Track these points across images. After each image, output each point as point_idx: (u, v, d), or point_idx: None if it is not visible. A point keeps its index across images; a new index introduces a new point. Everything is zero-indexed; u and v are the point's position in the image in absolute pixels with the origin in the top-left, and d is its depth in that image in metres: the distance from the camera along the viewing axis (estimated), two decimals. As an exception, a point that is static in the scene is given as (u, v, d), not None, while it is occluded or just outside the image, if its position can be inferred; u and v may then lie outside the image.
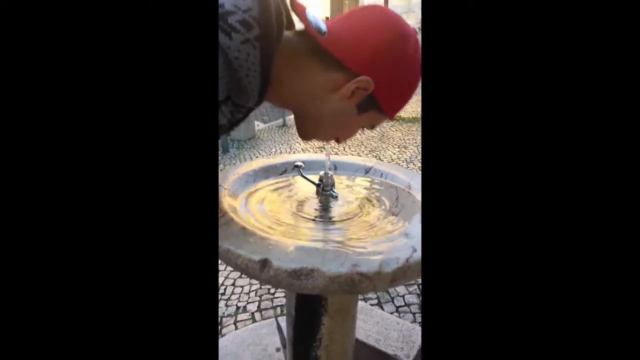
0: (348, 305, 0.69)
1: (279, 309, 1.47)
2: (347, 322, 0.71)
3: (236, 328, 1.37)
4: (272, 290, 1.59)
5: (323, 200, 0.64)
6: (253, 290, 1.58)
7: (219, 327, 1.38)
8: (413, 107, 4.93)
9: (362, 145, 3.27)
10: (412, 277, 0.47)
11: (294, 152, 3.14)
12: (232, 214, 0.54)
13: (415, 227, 0.54)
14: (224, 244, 0.47)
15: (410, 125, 3.96)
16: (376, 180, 0.75)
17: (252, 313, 1.45)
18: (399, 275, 0.45)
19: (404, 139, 3.48)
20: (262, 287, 1.61)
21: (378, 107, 0.47)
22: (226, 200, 0.59)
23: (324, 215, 0.62)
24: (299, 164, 0.67)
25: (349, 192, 0.70)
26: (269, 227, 0.55)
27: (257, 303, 1.50)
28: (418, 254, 0.46)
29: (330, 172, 0.63)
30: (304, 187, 0.70)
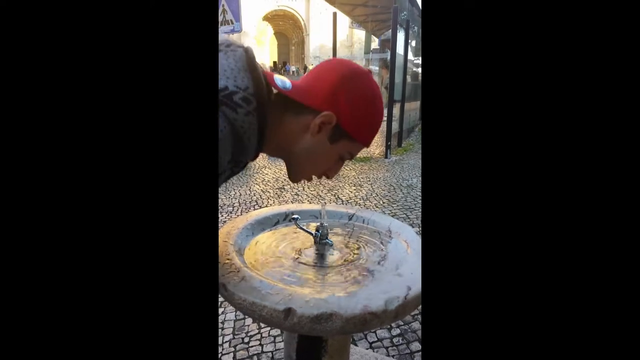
0: (344, 344, 0.76)
1: (255, 358, 1.45)
2: (343, 361, 0.76)
3: (213, 384, 1.32)
4: (246, 339, 1.56)
5: (320, 248, 0.72)
6: (226, 342, 1.54)
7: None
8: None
9: (320, 185, 3.40)
10: (409, 311, 0.56)
11: (257, 198, 3.17)
12: (246, 269, 0.60)
13: (404, 267, 0.64)
14: (247, 297, 0.53)
15: (362, 164, 4.22)
16: (360, 226, 0.85)
17: (229, 365, 1.41)
18: (401, 311, 0.54)
19: (358, 178, 3.69)
20: (235, 336, 1.57)
21: (347, 135, 0.56)
22: (235, 256, 0.64)
23: (324, 262, 0.70)
24: (296, 216, 0.74)
25: (342, 239, 0.79)
26: (283, 278, 0.61)
27: (232, 354, 1.47)
28: (413, 291, 0.56)
29: (326, 223, 0.71)
30: (300, 237, 0.77)
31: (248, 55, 0.51)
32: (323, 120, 0.54)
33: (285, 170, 0.60)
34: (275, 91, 0.56)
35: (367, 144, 0.59)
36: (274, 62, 37.37)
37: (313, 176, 0.62)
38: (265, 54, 34.78)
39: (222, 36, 0.52)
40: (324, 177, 0.62)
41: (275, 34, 37.74)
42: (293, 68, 32.11)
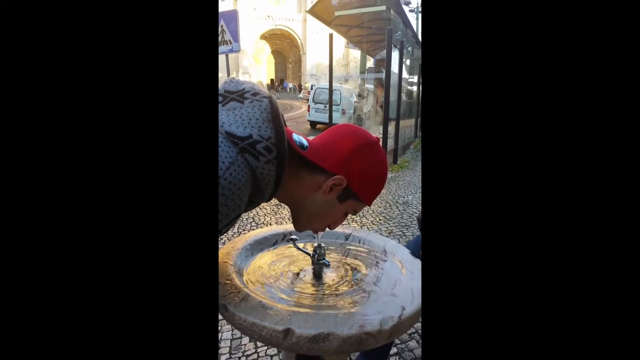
0: (341, 363, 0.77)
1: (252, 379, 1.44)
2: (340, 380, 0.77)
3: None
4: (243, 359, 1.54)
5: (317, 268, 0.74)
6: (223, 362, 1.53)
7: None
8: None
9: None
10: (403, 331, 0.58)
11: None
12: (246, 290, 0.62)
13: (399, 287, 0.67)
14: (248, 318, 0.55)
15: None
16: (356, 246, 0.87)
17: (226, 386, 1.39)
18: (395, 331, 0.56)
19: (354, 194, 3.72)
20: (232, 356, 1.56)
21: (355, 196, 0.63)
22: (236, 277, 0.66)
23: (321, 282, 0.72)
24: (294, 237, 0.77)
25: (338, 259, 0.81)
26: (282, 298, 0.63)
27: (229, 375, 1.45)
28: (407, 311, 0.58)
29: (323, 244, 0.74)
30: (298, 257, 0.79)
31: (273, 107, 0.56)
32: (335, 183, 0.60)
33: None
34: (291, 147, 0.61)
35: (370, 204, 0.66)
36: (272, 80, 37.90)
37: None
38: (263, 72, 35.33)
39: (250, 83, 0.57)
40: None
41: (273, 52, 38.45)
42: (290, 85, 32.77)
